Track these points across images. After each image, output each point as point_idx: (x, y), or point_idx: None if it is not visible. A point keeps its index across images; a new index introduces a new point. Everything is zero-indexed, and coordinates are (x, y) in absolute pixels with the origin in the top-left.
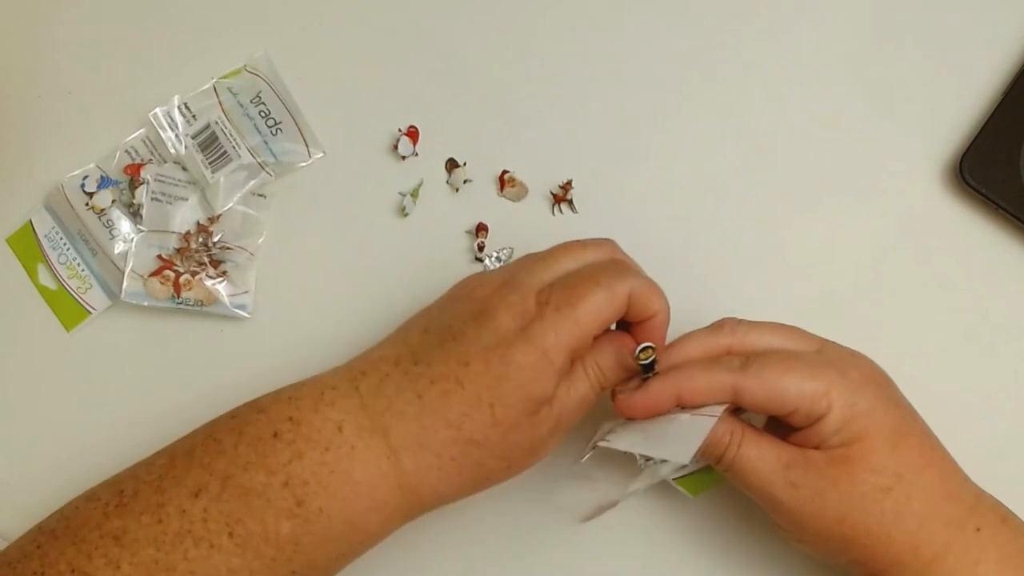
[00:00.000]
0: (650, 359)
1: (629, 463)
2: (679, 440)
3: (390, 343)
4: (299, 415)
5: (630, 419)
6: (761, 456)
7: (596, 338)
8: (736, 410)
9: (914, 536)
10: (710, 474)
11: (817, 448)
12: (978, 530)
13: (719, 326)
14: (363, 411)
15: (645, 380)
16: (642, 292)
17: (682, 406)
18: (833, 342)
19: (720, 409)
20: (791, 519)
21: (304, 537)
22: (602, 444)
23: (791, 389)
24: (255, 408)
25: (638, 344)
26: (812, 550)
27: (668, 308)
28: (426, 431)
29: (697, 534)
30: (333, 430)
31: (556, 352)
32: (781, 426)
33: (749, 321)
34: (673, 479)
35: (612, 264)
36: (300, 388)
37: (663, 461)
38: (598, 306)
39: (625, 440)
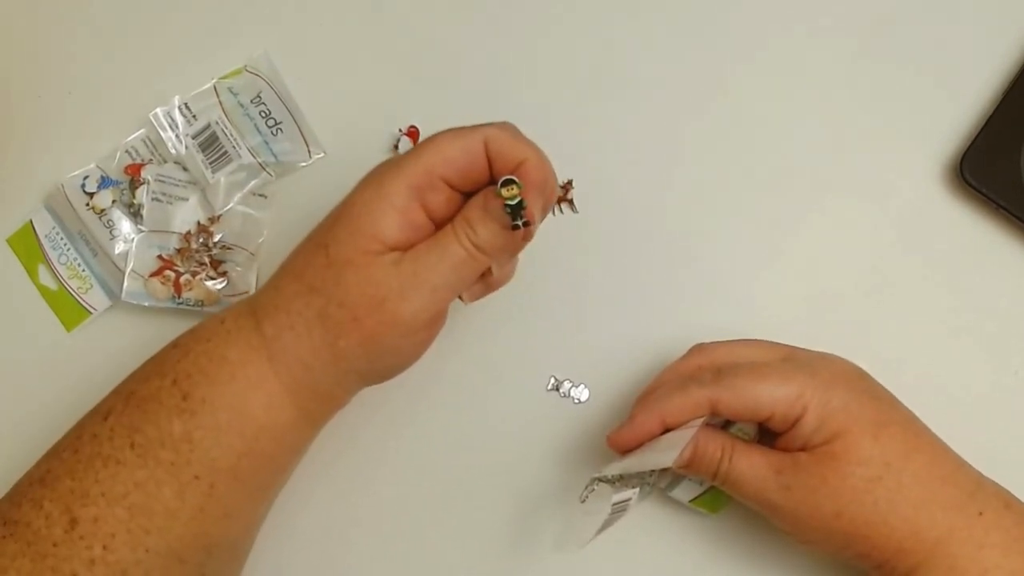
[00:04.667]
0: (515, 198)
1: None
2: (666, 449)
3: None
4: (198, 329)
5: (625, 454)
6: (752, 465)
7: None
8: (724, 425)
9: (912, 522)
10: (723, 491)
11: (803, 449)
12: (981, 514)
13: (689, 352)
14: (246, 304)
15: (515, 229)
16: (500, 137)
17: (667, 429)
18: (801, 348)
19: (700, 420)
20: (790, 521)
21: (195, 432)
22: (596, 475)
23: (764, 395)
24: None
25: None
26: (818, 549)
27: (539, 156)
28: (278, 291)
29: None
30: (216, 323)
31: (393, 186)
32: (769, 436)
33: (716, 341)
34: (689, 502)
35: (451, 131)
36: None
37: (668, 485)
38: (444, 142)
39: (618, 466)
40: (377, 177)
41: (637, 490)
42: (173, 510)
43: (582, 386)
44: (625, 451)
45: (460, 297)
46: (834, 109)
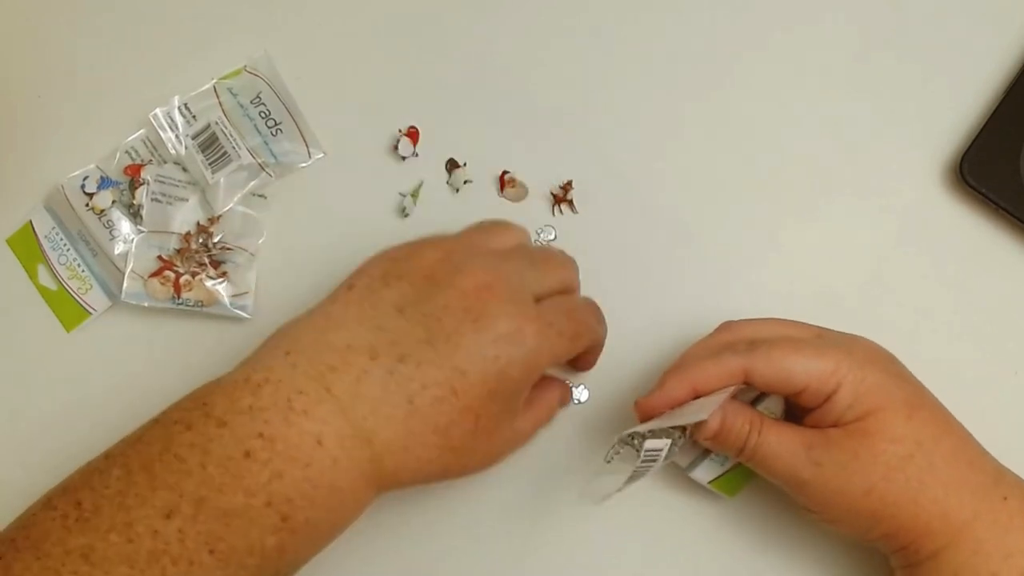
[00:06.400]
0: None
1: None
2: (698, 410)
3: (353, 323)
4: (270, 430)
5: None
6: (782, 440)
7: None
8: (753, 402)
9: (942, 503)
10: (743, 473)
11: (834, 426)
12: (1005, 499)
13: (717, 329)
14: (342, 417)
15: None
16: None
17: (697, 396)
18: (831, 329)
19: (730, 389)
20: (819, 499)
21: (289, 544)
22: (624, 434)
23: (799, 368)
24: (210, 418)
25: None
26: (843, 529)
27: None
28: (413, 436)
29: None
30: (312, 444)
31: (542, 370)
32: (794, 417)
33: (744, 319)
34: (708, 483)
35: (594, 309)
36: (259, 393)
37: (689, 465)
38: (584, 345)
39: (644, 427)
40: (536, 361)
41: (669, 441)
42: None
43: (582, 386)
44: (651, 417)
45: None
46: (834, 109)
